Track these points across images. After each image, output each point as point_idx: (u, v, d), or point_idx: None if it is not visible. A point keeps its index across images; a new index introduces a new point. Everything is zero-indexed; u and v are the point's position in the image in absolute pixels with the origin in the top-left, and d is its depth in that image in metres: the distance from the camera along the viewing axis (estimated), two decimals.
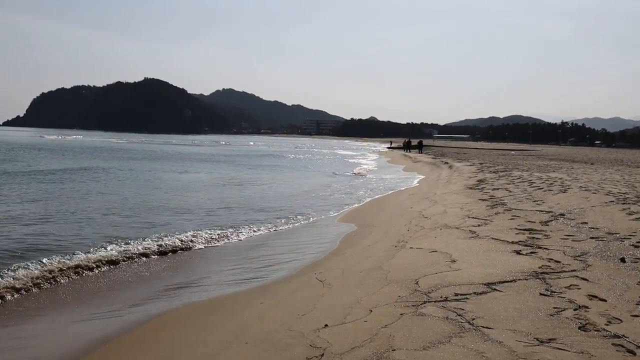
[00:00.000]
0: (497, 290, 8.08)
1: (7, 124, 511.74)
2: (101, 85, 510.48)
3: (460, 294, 7.89)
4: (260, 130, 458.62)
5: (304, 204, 23.97)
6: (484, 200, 19.20)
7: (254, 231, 17.15)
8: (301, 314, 7.82)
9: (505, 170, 33.75)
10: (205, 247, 14.85)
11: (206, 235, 15.80)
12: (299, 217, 20.17)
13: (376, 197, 27.29)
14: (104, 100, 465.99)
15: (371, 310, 7.47)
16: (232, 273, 12.06)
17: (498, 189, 22.53)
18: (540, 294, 7.78)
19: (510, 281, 8.56)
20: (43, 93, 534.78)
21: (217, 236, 15.93)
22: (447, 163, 44.71)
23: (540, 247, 11.00)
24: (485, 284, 8.40)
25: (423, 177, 38.16)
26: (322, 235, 16.77)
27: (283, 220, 19.24)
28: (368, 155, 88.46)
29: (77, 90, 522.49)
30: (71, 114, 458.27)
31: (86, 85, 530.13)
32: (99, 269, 12.06)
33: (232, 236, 16.22)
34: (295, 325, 7.28)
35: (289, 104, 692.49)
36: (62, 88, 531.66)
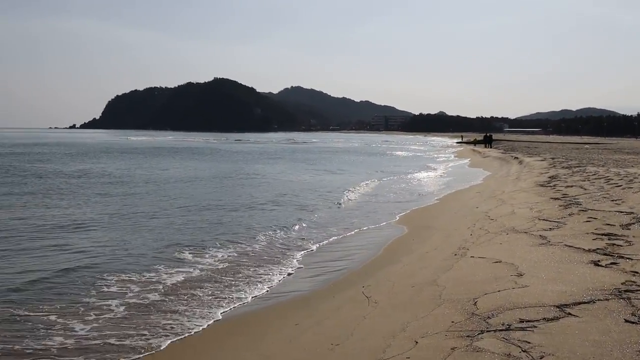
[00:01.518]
0: (571, 314, 6.71)
1: (84, 126, 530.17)
2: (173, 86, 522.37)
3: (527, 320, 6.57)
4: (329, 127, 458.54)
5: (364, 203, 22.83)
6: (556, 199, 17.52)
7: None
8: (335, 344, 6.73)
9: (579, 166, 31.51)
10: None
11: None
12: (354, 220, 19.03)
13: (441, 195, 25.83)
14: (176, 100, 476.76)
15: (417, 342, 6.27)
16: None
17: (572, 186, 20.70)
18: (626, 321, 6.38)
19: (588, 302, 7.17)
20: (117, 95, 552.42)
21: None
22: (517, 158, 42.47)
23: (622, 257, 9.47)
24: (557, 306, 7.04)
25: (491, 173, 36.30)
26: (380, 239, 15.59)
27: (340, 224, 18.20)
28: (436, 151, 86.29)
29: (150, 91, 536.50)
30: (144, 115, 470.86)
31: (158, 86, 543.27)
32: None
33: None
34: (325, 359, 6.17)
35: (357, 100, 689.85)
36: (136, 90, 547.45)
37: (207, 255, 13.16)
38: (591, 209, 14.85)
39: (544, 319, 6.60)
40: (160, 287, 10.41)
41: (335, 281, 10.92)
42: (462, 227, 15.08)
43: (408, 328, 6.86)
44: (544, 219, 13.94)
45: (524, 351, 5.68)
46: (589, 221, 13.16)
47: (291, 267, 12.45)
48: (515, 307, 7.12)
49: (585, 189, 19.45)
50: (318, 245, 14.89)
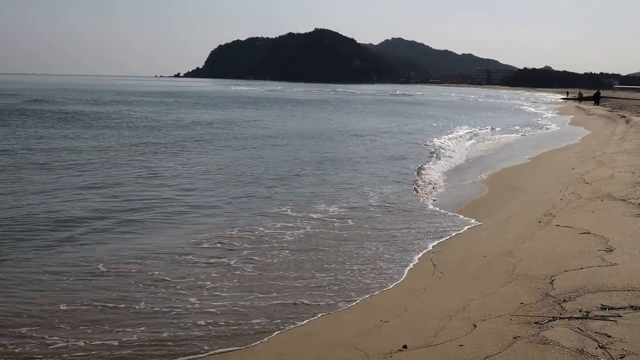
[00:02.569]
0: None
1: (188, 75, 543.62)
2: (274, 37, 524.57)
3: (610, 307, 5.61)
4: (429, 79, 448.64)
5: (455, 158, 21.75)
6: None
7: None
8: (384, 320, 6.00)
9: None
10: None
11: None
12: (437, 176, 18.03)
13: (536, 153, 24.19)
14: (276, 50, 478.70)
15: (475, 326, 5.47)
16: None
17: None
18: None
19: None
20: (220, 45, 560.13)
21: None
22: (624, 117, 39.26)
23: None
24: None
25: (593, 132, 33.81)
26: (460, 199, 14.52)
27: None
28: (539, 107, 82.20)
29: (252, 41, 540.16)
30: (245, 65, 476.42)
31: (260, 37, 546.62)
32: None
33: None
34: (367, 339, 5.50)
35: (459, 52, 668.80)
36: (238, 40, 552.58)
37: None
38: None
39: (631, 307, 5.62)
40: None
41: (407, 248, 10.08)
42: (553, 190, 13.81)
43: (469, 307, 6.05)
44: None
45: (600, 347, 4.77)
46: None
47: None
48: (598, 290, 6.15)
49: None
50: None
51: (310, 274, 8.33)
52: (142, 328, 6.40)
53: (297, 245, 9.86)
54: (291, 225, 11.35)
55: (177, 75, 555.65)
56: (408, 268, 8.54)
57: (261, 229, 10.98)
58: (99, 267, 8.47)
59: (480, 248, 8.97)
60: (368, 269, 8.58)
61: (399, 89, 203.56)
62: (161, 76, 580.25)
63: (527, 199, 13.37)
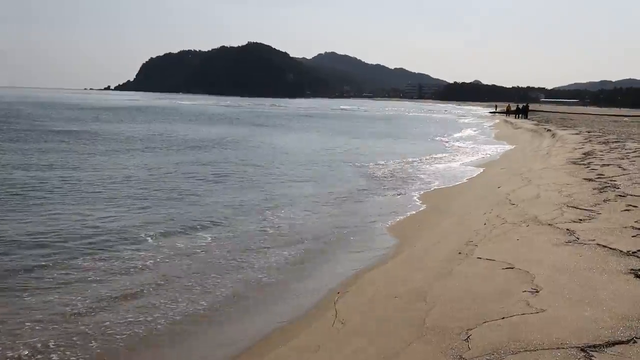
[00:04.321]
0: None
1: (118, 88, 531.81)
2: (206, 50, 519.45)
3: None
4: (362, 94, 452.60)
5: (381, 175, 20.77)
6: (589, 180, 15.17)
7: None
8: None
9: (617, 141, 28.69)
10: None
11: None
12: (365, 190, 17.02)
13: (465, 168, 23.57)
14: (209, 64, 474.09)
15: None
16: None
17: (608, 164, 18.24)
18: None
19: (628, 342, 5.10)
20: (151, 58, 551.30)
21: None
22: (549, 130, 39.44)
23: None
24: (583, 349, 4.98)
25: (520, 146, 33.70)
26: (382, 224, 13.46)
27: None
28: (468, 121, 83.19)
29: (184, 55, 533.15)
30: (177, 78, 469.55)
31: (192, 50, 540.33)
32: None
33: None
34: None
35: (391, 67, 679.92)
36: (170, 53, 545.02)
37: None
38: (631, 194, 12.56)
39: None
40: None
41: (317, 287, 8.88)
42: (478, 212, 12.93)
43: None
44: (573, 206, 11.71)
45: None
46: (629, 210, 10.93)
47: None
48: (522, 349, 5.05)
49: (624, 169, 17.03)
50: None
51: None
52: None
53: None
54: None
55: (108, 88, 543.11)
56: (306, 314, 7.35)
57: None
58: None
59: (394, 287, 7.82)
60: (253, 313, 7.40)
61: (341, 103, 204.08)
62: (91, 89, 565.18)
63: (451, 223, 12.42)
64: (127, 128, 45.76)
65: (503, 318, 5.85)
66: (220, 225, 12.86)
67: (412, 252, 10.02)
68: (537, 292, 6.61)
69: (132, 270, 9.39)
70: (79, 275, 9.02)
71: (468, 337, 5.47)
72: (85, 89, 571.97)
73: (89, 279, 8.85)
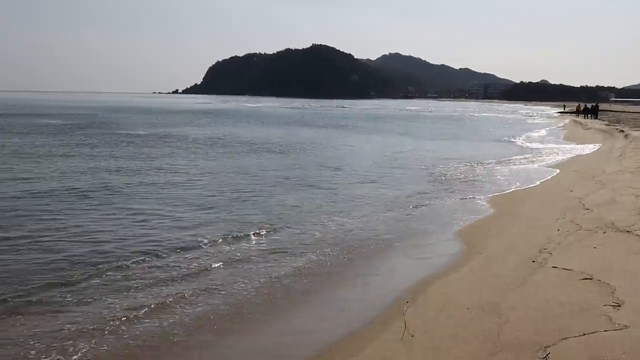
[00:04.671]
0: None
1: (186, 91, 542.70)
2: (271, 53, 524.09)
3: None
4: (426, 94, 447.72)
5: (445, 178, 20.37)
6: None
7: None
8: None
9: None
10: None
11: None
12: (426, 199, 16.66)
13: (535, 171, 22.84)
14: (274, 67, 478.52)
15: None
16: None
17: None
18: None
19: None
20: (218, 61, 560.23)
21: None
22: (622, 131, 37.83)
23: None
24: None
25: (592, 147, 32.48)
26: (450, 228, 13.10)
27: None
28: (536, 121, 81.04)
29: (249, 57, 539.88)
30: (243, 81, 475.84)
31: (257, 53, 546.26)
32: None
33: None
34: None
35: (456, 67, 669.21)
36: (235, 56, 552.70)
37: None
38: None
39: None
40: None
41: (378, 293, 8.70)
42: (550, 217, 12.46)
43: None
44: None
45: None
46: None
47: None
48: None
49: None
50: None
51: None
52: None
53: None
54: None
55: (176, 92, 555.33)
56: (372, 323, 7.20)
57: None
58: None
59: (464, 295, 7.57)
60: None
61: (406, 104, 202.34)
62: (159, 92, 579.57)
63: (522, 228, 11.98)
64: (208, 131, 46.59)
65: (583, 335, 5.56)
66: (281, 227, 12.84)
67: (482, 260, 9.69)
68: (618, 306, 6.27)
69: (191, 271, 9.46)
70: (135, 276, 9.14)
71: (547, 355, 5.20)
72: (154, 92, 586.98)
73: (145, 281, 8.94)
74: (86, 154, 27.00)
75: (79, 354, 6.44)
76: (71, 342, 6.71)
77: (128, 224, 12.94)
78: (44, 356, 6.37)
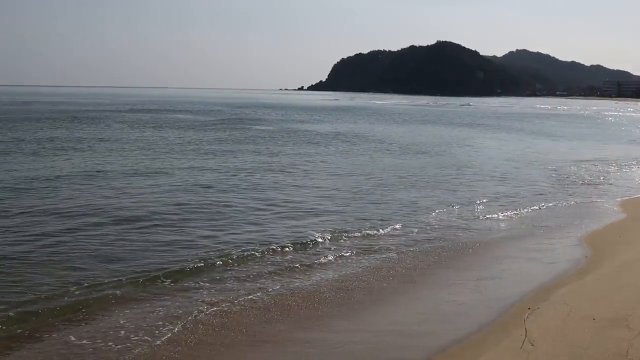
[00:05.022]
0: None
1: (311, 88, 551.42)
2: (396, 50, 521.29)
3: None
4: (555, 92, 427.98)
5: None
6: None
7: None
8: None
9: None
10: None
11: None
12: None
13: None
14: (399, 63, 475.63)
15: None
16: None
17: None
18: None
19: None
20: (342, 59, 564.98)
21: None
22: None
23: None
24: None
25: None
26: (575, 232, 12.41)
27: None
28: None
29: (374, 55, 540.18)
30: (368, 78, 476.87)
31: (382, 50, 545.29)
32: None
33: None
34: None
35: (587, 64, 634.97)
36: (360, 53, 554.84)
37: None
38: None
39: None
40: None
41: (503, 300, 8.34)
42: None
43: None
44: None
45: None
46: None
47: None
48: None
49: None
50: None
51: None
52: None
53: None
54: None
55: (301, 89, 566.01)
56: (491, 327, 6.94)
57: None
58: None
59: (590, 305, 7.13)
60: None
61: (534, 102, 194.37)
62: (285, 89, 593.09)
63: None
64: (352, 127, 47.33)
65: None
66: (399, 223, 12.78)
67: (611, 267, 9.11)
68: None
69: (303, 264, 9.68)
70: (261, 270, 9.39)
71: None
72: (280, 89, 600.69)
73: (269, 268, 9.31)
74: (238, 150, 28.01)
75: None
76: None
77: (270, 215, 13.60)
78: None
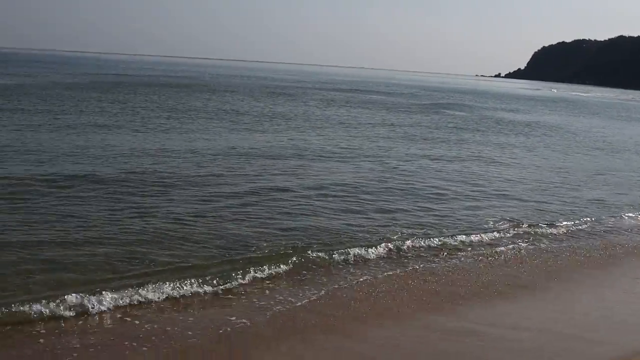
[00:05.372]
0: None
1: (508, 75, 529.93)
2: (602, 40, 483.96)
3: None
4: None
5: None
6: None
7: None
8: None
9: None
10: None
11: None
12: None
13: None
14: (605, 54, 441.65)
15: None
16: None
17: None
18: None
19: None
20: (544, 47, 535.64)
21: None
22: None
23: None
24: None
25: None
26: None
27: None
28: None
29: (578, 44, 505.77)
30: (570, 68, 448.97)
31: (587, 39, 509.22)
32: None
33: None
34: None
35: None
36: (563, 42, 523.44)
37: None
38: None
39: None
40: None
41: None
42: None
43: None
44: None
45: None
46: None
47: None
48: None
49: None
50: None
51: None
52: None
53: None
54: None
55: (498, 76, 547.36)
56: None
57: None
58: None
59: None
60: None
61: None
62: (482, 76, 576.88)
63: None
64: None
65: None
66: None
67: None
68: None
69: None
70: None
71: None
72: (476, 75, 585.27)
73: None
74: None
75: None
76: None
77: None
78: None
